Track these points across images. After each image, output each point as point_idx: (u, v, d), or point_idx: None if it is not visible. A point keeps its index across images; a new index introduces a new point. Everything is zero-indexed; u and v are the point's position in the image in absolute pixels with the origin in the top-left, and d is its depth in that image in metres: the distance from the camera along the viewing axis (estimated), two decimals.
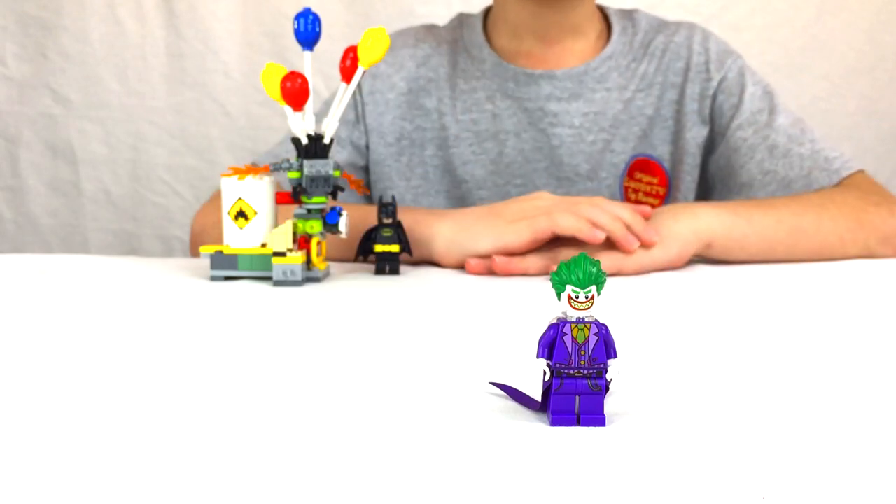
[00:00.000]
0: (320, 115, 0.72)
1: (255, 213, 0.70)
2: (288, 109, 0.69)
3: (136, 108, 1.42)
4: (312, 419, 0.36)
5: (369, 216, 0.77)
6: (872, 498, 0.28)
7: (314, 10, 0.70)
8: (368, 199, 1.02)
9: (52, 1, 1.39)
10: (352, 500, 0.28)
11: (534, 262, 0.75)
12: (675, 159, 1.00)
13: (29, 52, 1.40)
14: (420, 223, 0.78)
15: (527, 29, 0.99)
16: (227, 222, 0.71)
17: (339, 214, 0.71)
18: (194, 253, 0.91)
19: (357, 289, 0.68)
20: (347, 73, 0.71)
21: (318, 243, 0.71)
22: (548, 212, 0.75)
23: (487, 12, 1.04)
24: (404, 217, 0.77)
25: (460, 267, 0.78)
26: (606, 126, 0.99)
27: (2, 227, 1.45)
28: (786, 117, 0.95)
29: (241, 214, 0.70)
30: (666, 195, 1.00)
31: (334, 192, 0.71)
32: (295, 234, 0.70)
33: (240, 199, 0.70)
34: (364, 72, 0.71)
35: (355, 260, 0.78)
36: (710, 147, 0.99)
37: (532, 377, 0.36)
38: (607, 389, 0.35)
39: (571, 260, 0.34)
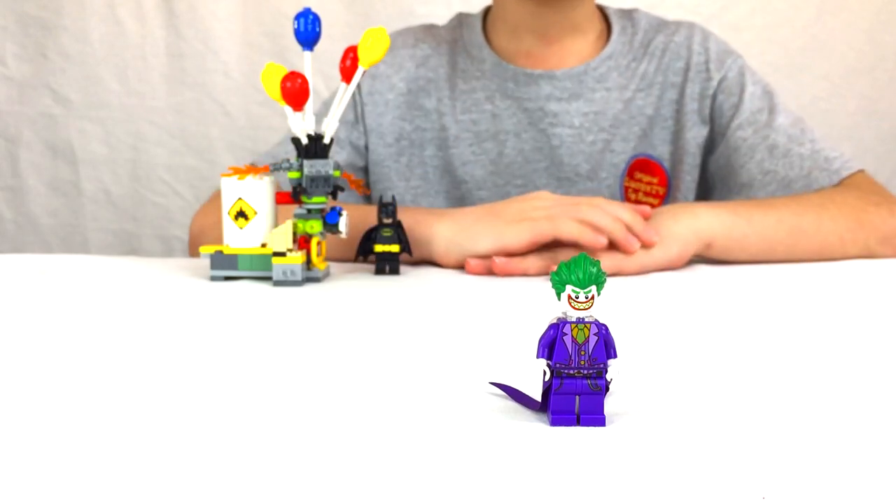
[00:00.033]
0: (320, 115, 0.72)
1: (255, 213, 0.70)
2: (288, 109, 0.69)
3: (136, 108, 1.42)
4: (312, 419, 0.36)
5: (369, 216, 0.77)
6: (872, 498, 0.28)
7: (314, 10, 0.70)
8: (368, 199, 1.02)
9: (52, 1, 1.39)
10: (352, 500, 0.28)
11: (533, 262, 0.75)
12: (675, 159, 1.00)
13: (29, 52, 1.40)
14: (420, 223, 0.78)
15: (526, 28, 0.99)
16: (227, 222, 0.71)
17: (339, 214, 0.71)
18: (193, 253, 0.91)
19: (357, 289, 0.68)
20: (347, 73, 0.71)
21: (318, 243, 0.71)
22: (550, 217, 0.74)
23: (487, 12, 1.04)
24: (404, 217, 0.77)
25: (460, 267, 0.78)
26: (606, 126, 0.99)
27: (2, 227, 1.45)
28: (786, 117, 0.95)
29: (241, 214, 0.70)
30: (666, 195, 1.00)
31: (334, 192, 0.71)
32: (295, 234, 0.70)
33: (240, 199, 0.70)
34: (364, 72, 0.71)
35: (355, 260, 0.78)
36: (709, 147, 0.99)
37: (532, 377, 0.36)
38: (607, 389, 0.35)
39: (571, 260, 0.34)
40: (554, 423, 0.35)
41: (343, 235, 0.71)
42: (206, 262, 0.71)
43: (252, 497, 0.28)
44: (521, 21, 0.99)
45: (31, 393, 0.40)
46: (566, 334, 0.34)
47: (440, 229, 0.78)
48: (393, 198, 0.76)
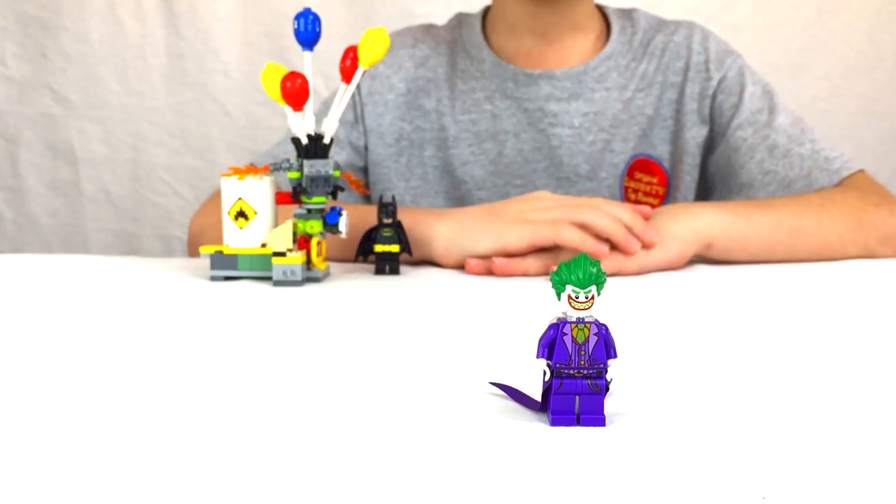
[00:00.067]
0: (320, 115, 0.72)
1: (255, 213, 0.70)
2: (288, 109, 0.69)
3: (136, 108, 1.42)
4: (312, 419, 0.36)
5: (369, 216, 0.77)
6: (872, 498, 0.28)
7: (314, 10, 0.70)
8: (368, 199, 1.02)
9: (52, 1, 1.39)
10: (352, 500, 0.28)
11: (533, 263, 0.75)
12: (675, 159, 1.00)
13: (29, 52, 1.40)
14: (420, 223, 0.78)
15: (525, 28, 0.99)
16: (227, 222, 0.71)
17: (339, 214, 0.71)
18: (192, 253, 0.91)
19: (357, 289, 0.68)
20: (347, 73, 0.71)
21: (318, 243, 0.71)
22: (552, 221, 0.74)
23: (486, 12, 1.04)
24: (404, 217, 0.77)
25: (460, 267, 0.78)
26: (606, 126, 0.99)
27: (2, 227, 1.45)
28: (786, 117, 0.95)
29: (241, 214, 0.70)
30: (665, 195, 1.00)
31: (334, 192, 0.71)
32: (295, 234, 0.70)
33: (240, 199, 0.70)
34: (364, 72, 0.71)
35: (355, 260, 0.78)
36: (709, 147, 0.99)
37: (532, 377, 0.36)
38: (607, 389, 0.35)
39: (571, 260, 0.34)
40: (554, 423, 0.35)
41: (343, 235, 0.71)
42: (206, 262, 0.71)
43: (252, 497, 0.28)
44: (521, 21, 0.99)
45: (31, 393, 0.40)
46: (566, 334, 0.34)
47: (440, 229, 0.78)
48: (393, 198, 0.76)
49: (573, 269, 0.34)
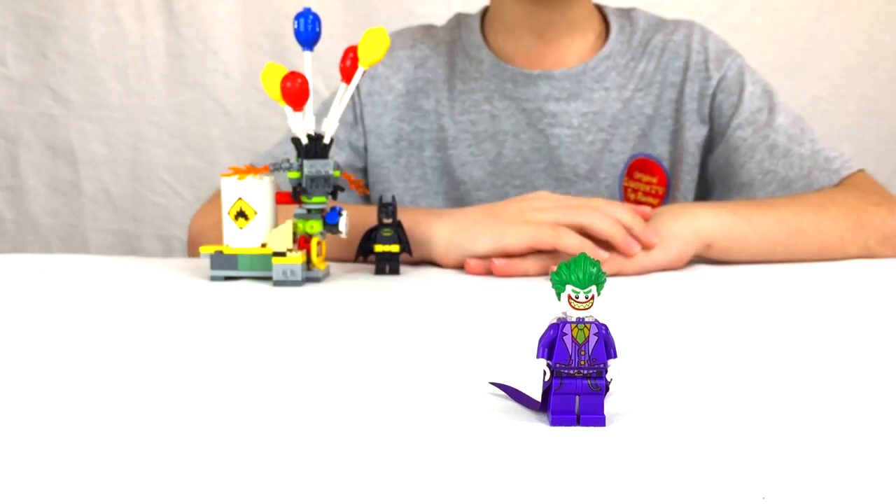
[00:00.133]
0: (320, 116, 0.72)
1: (255, 213, 0.70)
2: (288, 109, 0.69)
3: (136, 108, 1.42)
4: (312, 419, 0.36)
5: (369, 216, 0.77)
6: (872, 498, 0.28)
7: (314, 10, 0.70)
8: (367, 199, 1.02)
9: (52, 1, 1.39)
10: (352, 500, 0.28)
11: (533, 263, 0.75)
12: (675, 159, 1.00)
13: (29, 52, 1.40)
14: (420, 223, 0.78)
15: (524, 28, 0.99)
16: (227, 222, 0.71)
17: (339, 214, 0.71)
18: (192, 254, 0.91)
19: (357, 289, 0.68)
20: (347, 73, 0.71)
21: (318, 243, 0.71)
22: (553, 224, 0.74)
23: (485, 12, 1.04)
24: (404, 217, 0.77)
25: (460, 267, 0.78)
26: (605, 126, 0.99)
27: (2, 227, 1.45)
28: (785, 117, 0.95)
29: (241, 214, 0.70)
30: (665, 195, 1.00)
31: (334, 192, 0.71)
32: (295, 234, 0.70)
33: (240, 199, 0.70)
34: (364, 72, 0.71)
35: (355, 260, 0.78)
36: (709, 146, 0.99)
37: (532, 377, 0.36)
38: (607, 389, 0.35)
39: (571, 260, 0.34)
40: (554, 423, 0.35)
41: (343, 235, 0.71)
42: (206, 262, 0.71)
43: (252, 497, 0.28)
44: (519, 21, 0.99)
45: (31, 393, 0.40)
46: (566, 334, 0.34)
47: (440, 229, 0.78)
48: (393, 198, 0.76)
49: (573, 269, 0.34)
